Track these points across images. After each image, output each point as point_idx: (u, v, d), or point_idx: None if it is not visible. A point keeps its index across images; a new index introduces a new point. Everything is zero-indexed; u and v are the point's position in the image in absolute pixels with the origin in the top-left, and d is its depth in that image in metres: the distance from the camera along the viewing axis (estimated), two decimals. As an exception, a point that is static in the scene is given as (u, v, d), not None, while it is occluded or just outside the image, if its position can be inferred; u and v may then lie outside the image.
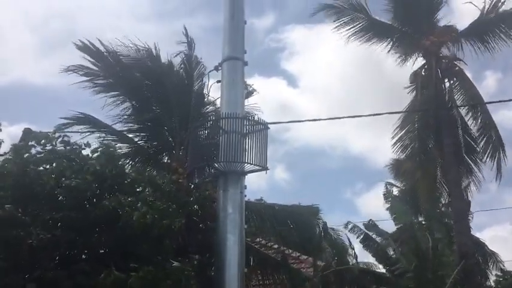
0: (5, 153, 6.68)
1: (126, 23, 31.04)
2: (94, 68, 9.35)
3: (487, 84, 30.54)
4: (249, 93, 9.18)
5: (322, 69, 35.25)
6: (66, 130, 8.74)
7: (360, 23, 14.72)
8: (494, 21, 14.13)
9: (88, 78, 9.39)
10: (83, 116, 9.31)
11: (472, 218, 15.16)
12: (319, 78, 35.93)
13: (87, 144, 7.07)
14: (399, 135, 14.43)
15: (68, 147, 6.86)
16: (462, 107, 14.13)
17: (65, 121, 9.07)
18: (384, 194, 17.63)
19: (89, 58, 9.28)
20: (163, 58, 9.48)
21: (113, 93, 9.63)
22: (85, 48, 9.08)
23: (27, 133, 7.37)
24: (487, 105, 13.85)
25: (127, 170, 7.17)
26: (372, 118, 14.46)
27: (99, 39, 9.15)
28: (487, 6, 14.00)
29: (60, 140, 6.91)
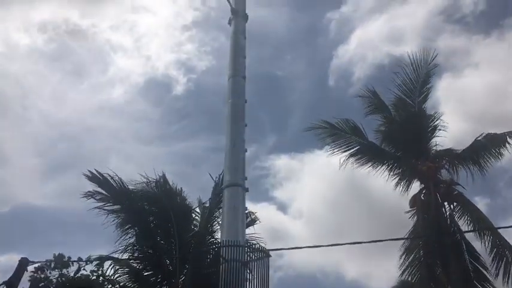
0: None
1: (130, 145, 32.23)
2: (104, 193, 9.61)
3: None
4: (252, 222, 9.22)
5: (311, 194, 35.55)
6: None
7: (355, 146, 15.23)
8: (486, 144, 14.62)
9: (100, 204, 9.62)
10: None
11: None
12: (308, 204, 36.06)
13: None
14: (405, 263, 14.04)
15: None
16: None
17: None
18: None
19: (100, 190, 9.57)
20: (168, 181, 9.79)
21: (118, 218, 9.75)
22: (94, 178, 9.41)
23: (24, 263, 7.25)
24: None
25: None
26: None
27: (109, 175, 9.53)
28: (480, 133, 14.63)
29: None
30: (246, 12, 8.30)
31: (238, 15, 8.13)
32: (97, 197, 9.69)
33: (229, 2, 8.20)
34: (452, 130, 15.68)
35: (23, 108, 32.36)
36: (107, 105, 34.22)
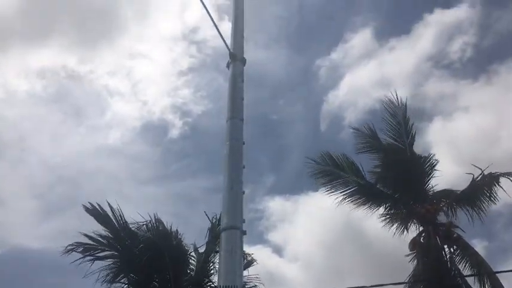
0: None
1: (128, 187, 32.03)
2: (97, 238, 9.43)
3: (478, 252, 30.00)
4: (249, 263, 9.06)
5: (307, 237, 35.07)
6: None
7: (353, 186, 15.13)
8: (483, 186, 14.57)
9: (87, 253, 9.44)
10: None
11: None
12: (304, 247, 35.50)
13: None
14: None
15: None
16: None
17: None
18: None
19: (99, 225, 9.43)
20: (165, 223, 9.66)
21: (111, 264, 9.55)
22: (93, 211, 9.31)
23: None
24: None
25: None
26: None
27: (108, 203, 9.43)
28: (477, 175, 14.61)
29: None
30: (244, 56, 8.48)
31: (237, 59, 8.28)
32: (79, 249, 9.39)
33: (227, 46, 8.36)
34: (444, 173, 15.71)
35: (20, 151, 32.42)
36: (104, 147, 34.33)
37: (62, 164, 32.24)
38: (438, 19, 34.03)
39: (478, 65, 35.66)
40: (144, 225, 9.85)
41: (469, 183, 14.70)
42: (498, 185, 14.03)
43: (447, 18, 34.46)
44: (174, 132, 35.10)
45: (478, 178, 14.55)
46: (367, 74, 34.55)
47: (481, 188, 14.45)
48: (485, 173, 14.41)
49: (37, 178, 32.41)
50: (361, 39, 35.36)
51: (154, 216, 9.97)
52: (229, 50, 8.33)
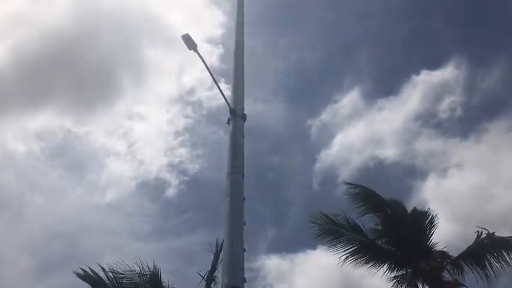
0: None
1: (126, 242, 31.47)
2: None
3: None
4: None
5: None
6: None
7: (356, 245, 14.83)
8: (490, 246, 14.32)
9: None
10: None
11: None
12: None
13: None
14: None
15: None
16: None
17: None
18: None
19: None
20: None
21: None
22: (86, 276, 8.99)
23: None
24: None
25: None
26: None
27: (101, 267, 9.14)
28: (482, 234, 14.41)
29: None
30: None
31: (237, 115, 8.37)
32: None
33: (227, 103, 8.47)
34: (441, 231, 15.49)
35: (19, 206, 32.17)
36: (101, 205, 34.08)
37: (59, 220, 31.93)
38: (425, 79, 35.01)
39: (466, 123, 36.40)
40: (146, 277, 9.45)
41: (466, 240, 14.61)
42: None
43: (434, 79, 35.46)
44: (171, 191, 35.00)
45: (483, 235, 14.36)
46: (358, 133, 35.03)
47: (488, 248, 14.24)
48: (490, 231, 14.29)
49: (34, 233, 31.99)
50: (349, 99, 36.17)
51: (155, 271, 9.62)
52: (229, 106, 8.44)
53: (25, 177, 33.70)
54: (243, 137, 8.20)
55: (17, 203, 32.22)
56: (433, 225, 15.11)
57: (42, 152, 35.05)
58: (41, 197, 33.81)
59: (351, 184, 15.88)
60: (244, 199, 7.38)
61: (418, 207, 15.52)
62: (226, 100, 8.48)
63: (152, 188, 36.17)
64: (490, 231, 14.30)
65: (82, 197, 34.18)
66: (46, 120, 35.08)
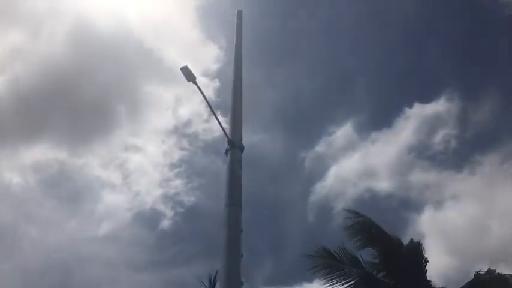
0: None
1: (122, 272, 30.96)
2: None
3: None
4: None
5: None
6: None
7: (354, 278, 14.56)
8: (489, 282, 14.14)
9: None
10: None
11: None
12: None
13: None
14: None
15: None
16: None
17: None
18: None
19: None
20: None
21: None
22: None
23: None
24: None
25: None
26: None
27: None
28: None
29: None
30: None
31: (235, 146, 8.35)
32: None
33: (225, 134, 8.48)
34: (439, 264, 15.35)
35: (14, 238, 31.74)
36: (97, 236, 33.72)
37: (54, 252, 31.50)
38: (418, 112, 35.34)
39: (460, 156, 36.56)
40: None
41: (464, 273, 14.46)
42: None
43: (427, 112, 35.81)
44: (166, 223, 34.73)
45: (482, 272, 14.20)
46: (352, 165, 35.09)
47: (487, 285, 14.05)
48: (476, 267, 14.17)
49: (29, 266, 31.50)
50: (343, 131, 36.40)
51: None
52: (227, 137, 8.44)
53: (20, 209, 33.43)
54: (241, 167, 8.17)
55: (12, 235, 31.82)
56: (426, 259, 14.96)
57: (38, 184, 34.93)
58: (36, 228, 33.45)
59: (350, 211, 15.74)
60: (242, 231, 7.28)
61: (415, 239, 15.38)
62: (224, 131, 8.49)
63: (147, 219, 35.93)
64: (491, 268, 14.14)
65: (77, 228, 33.87)
66: (42, 152, 35.08)
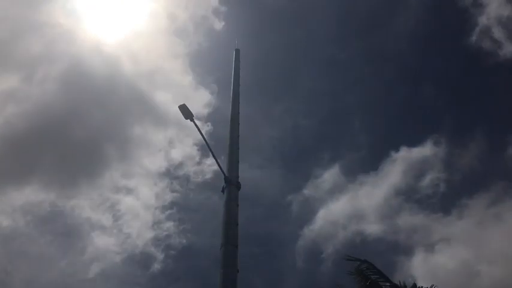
0: None
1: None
2: None
3: None
4: None
5: None
6: None
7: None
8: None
9: None
10: None
11: None
12: None
13: None
14: None
15: None
16: None
17: None
18: None
19: None
20: None
21: None
22: None
23: None
24: None
25: None
26: None
27: None
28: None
29: None
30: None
31: (232, 183, 8.27)
32: None
33: (222, 172, 8.41)
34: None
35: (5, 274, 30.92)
36: (86, 278, 32.89)
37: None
38: (405, 156, 35.65)
39: (448, 199, 36.76)
40: None
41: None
42: None
43: (413, 155, 36.16)
44: (157, 266, 34.05)
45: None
46: (341, 207, 34.92)
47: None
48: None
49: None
50: (330, 174, 36.44)
51: None
52: (224, 175, 8.37)
53: (7, 253, 32.73)
54: (238, 205, 8.06)
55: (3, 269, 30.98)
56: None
57: (27, 226, 34.38)
58: (21, 273, 32.62)
59: (352, 258, 15.34)
60: (238, 271, 7.12)
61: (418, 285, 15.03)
62: (221, 168, 8.43)
63: (138, 262, 35.24)
64: None
65: (66, 271, 33.07)
66: (31, 194, 34.68)
